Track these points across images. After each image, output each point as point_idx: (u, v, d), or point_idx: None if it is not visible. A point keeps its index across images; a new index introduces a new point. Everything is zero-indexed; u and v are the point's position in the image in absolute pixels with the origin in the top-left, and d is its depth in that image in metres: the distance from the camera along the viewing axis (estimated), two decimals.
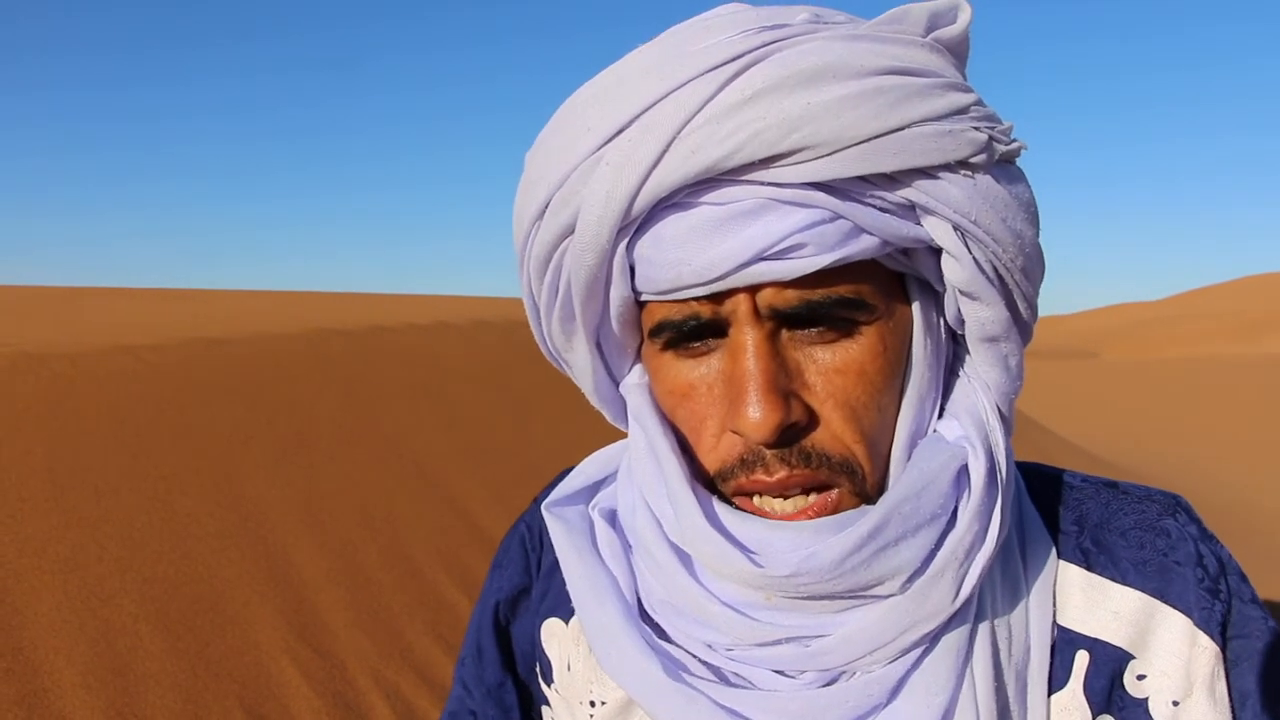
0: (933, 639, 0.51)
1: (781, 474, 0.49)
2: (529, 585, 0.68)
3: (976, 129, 0.47)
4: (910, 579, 0.49)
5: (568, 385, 0.65)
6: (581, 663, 0.63)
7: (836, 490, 0.50)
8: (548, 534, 0.66)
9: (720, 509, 0.51)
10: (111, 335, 4.23)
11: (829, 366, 0.50)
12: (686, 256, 0.47)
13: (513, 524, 0.73)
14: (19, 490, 2.78)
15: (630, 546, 0.60)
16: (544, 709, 0.68)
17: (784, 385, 0.49)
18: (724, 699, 0.52)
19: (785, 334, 0.50)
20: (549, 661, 0.66)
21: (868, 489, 0.51)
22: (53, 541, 2.68)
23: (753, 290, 0.48)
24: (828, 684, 0.52)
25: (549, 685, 0.66)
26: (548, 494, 0.69)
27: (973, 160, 0.48)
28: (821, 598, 0.50)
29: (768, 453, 0.49)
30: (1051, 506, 0.59)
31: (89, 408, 3.31)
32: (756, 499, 0.51)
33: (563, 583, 0.64)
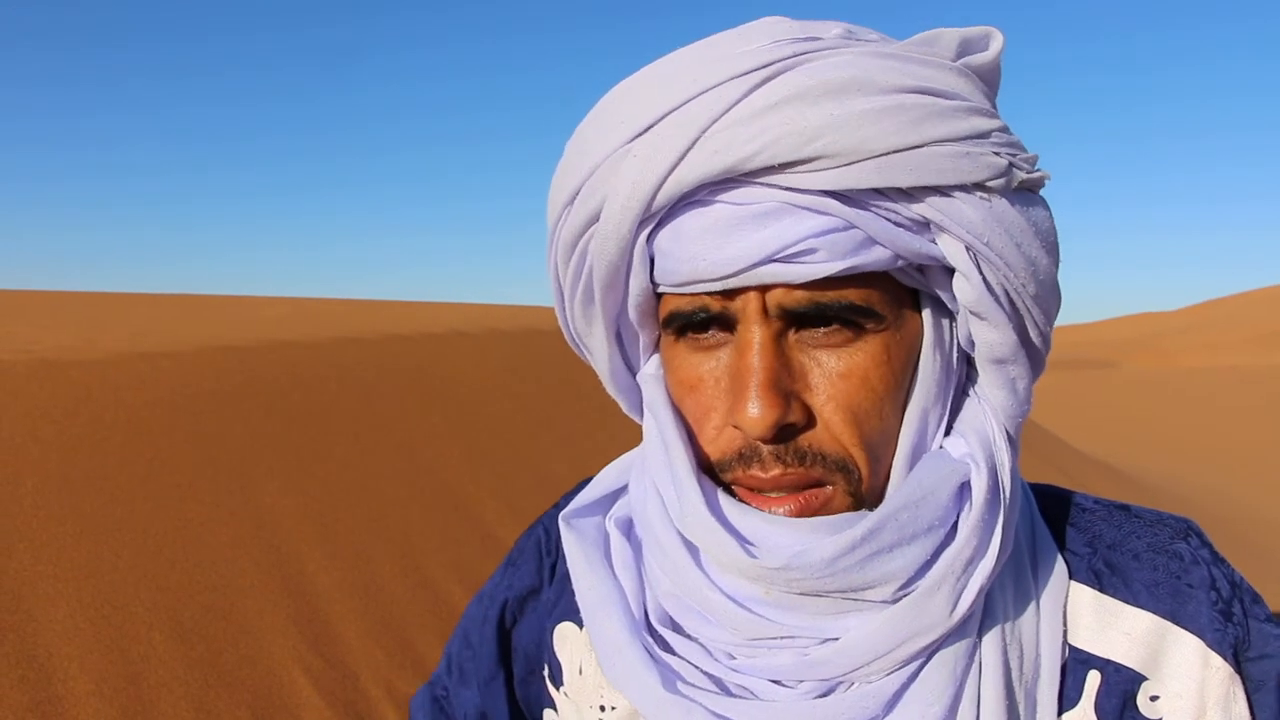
0: (930, 653, 0.52)
1: (776, 471, 0.51)
2: (539, 587, 0.70)
3: (996, 154, 0.49)
4: (904, 587, 0.51)
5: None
6: (593, 668, 0.64)
7: (830, 487, 0.51)
8: None
9: (724, 500, 0.53)
10: (128, 343, 4.26)
11: (833, 371, 0.51)
12: (703, 252, 0.49)
13: (531, 524, 0.74)
14: (34, 497, 2.79)
15: (642, 556, 0.61)
16: (547, 711, 0.68)
17: (785, 384, 0.50)
18: (721, 709, 0.53)
19: (792, 335, 0.51)
20: (559, 664, 0.66)
21: (863, 492, 0.52)
22: (67, 548, 2.68)
23: (763, 290, 0.50)
24: (824, 694, 0.52)
25: (558, 688, 0.66)
26: (568, 500, 0.70)
27: (990, 184, 0.49)
28: (815, 595, 0.51)
29: (764, 448, 0.51)
30: (1064, 528, 0.60)
31: (105, 415, 3.33)
32: (755, 493, 0.53)
33: None
